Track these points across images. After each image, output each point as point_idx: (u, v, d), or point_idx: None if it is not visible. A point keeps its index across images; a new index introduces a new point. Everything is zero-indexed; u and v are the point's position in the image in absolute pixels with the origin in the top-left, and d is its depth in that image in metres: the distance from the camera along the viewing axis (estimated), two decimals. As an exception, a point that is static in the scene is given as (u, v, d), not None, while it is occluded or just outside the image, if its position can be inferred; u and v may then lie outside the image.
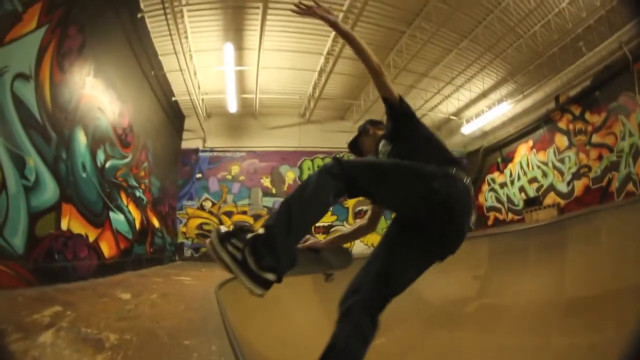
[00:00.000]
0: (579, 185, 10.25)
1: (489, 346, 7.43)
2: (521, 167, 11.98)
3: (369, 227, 2.80)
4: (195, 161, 10.14)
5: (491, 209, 13.11)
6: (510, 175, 12.38)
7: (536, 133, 11.46)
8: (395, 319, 7.05)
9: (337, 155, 2.05)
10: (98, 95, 6.12)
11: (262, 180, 11.40)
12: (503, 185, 12.66)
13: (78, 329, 3.27)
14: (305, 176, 12.10)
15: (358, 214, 12.42)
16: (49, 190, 4.63)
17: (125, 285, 5.95)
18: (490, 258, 10.26)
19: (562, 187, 10.70)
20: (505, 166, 12.60)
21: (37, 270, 4.36)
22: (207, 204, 10.01)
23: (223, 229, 1.92)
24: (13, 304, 3.52)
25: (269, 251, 1.82)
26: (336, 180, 1.92)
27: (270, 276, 1.86)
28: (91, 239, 5.69)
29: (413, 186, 2.10)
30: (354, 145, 2.89)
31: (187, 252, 9.41)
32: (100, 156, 6.05)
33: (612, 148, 9.26)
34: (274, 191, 11.48)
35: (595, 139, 9.65)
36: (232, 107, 10.37)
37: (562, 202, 10.67)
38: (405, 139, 2.47)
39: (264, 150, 12.01)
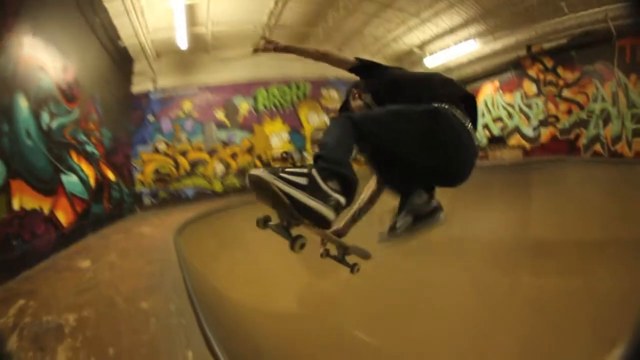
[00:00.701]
0: (546, 132, 10.40)
1: (461, 281, 7.41)
2: (486, 105, 11.94)
3: (380, 189, 2.90)
4: (146, 104, 9.34)
5: (454, 143, 13.13)
6: (475, 111, 12.28)
7: (503, 75, 11.35)
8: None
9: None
10: (38, 55, 5.45)
11: (215, 114, 10.85)
12: None
13: (40, 320, 3.34)
14: (260, 106, 11.71)
15: (316, 141, 12.29)
16: (-5, 171, 4.19)
17: (86, 251, 5.84)
18: (454, 190, 10.53)
19: (528, 131, 10.85)
20: (469, 102, 12.52)
21: (-2, 266, 4.05)
22: (162, 146, 9.44)
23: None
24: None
25: (333, 171, 1.85)
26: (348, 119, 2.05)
27: (341, 199, 1.89)
28: (46, 211, 5.33)
29: (402, 128, 2.12)
30: (345, 110, 2.83)
31: (147, 200, 8.98)
32: (45, 118, 5.51)
33: (582, 106, 9.35)
34: (228, 124, 11.04)
35: (566, 93, 9.70)
36: (183, 43, 9.47)
37: (528, 145, 10.87)
38: (379, 87, 2.58)
39: (217, 84, 11.25)
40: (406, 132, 2.12)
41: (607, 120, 8.77)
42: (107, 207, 7.54)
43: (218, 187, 10.68)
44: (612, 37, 7.99)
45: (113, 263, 5.44)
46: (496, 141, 11.64)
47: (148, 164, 8.98)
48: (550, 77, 10.01)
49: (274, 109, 11.97)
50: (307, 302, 7.11)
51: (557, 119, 10.02)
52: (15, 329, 3.11)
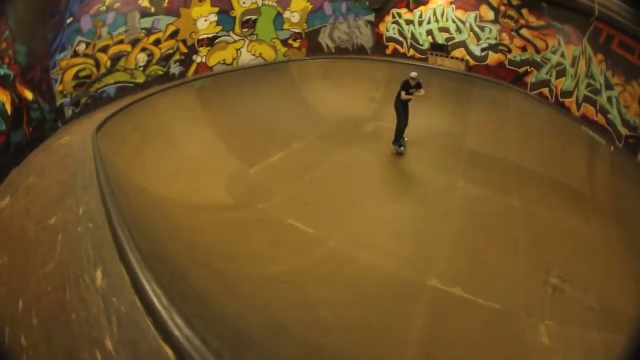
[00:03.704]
0: (494, 57, 10.42)
1: (397, 170, 8.34)
2: (434, 14, 11.61)
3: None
4: (64, 7, 8.27)
5: (391, 40, 12.97)
6: (421, 16, 12.00)
7: (459, -7, 10.74)
8: (291, 135, 8.76)
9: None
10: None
11: (140, 1, 9.71)
12: (410, 22, 12.30)
13: None
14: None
15: (246, 24, 11.99)
16: None
17: (7, 187, 5.76)
18: (388, 84, 10.90)
19: (475, 50, 10.84)
20: (417, 7, 12.04)
21: None
22: (81, 48, 8.65)
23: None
24: None
25: None
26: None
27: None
28: None
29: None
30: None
31: (69, 112, 8.59)
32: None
33: (539, 51, 9.24)
34: (153, 10, 10.08)
35: (525, 33, 9.54)
36: None
37: (472, 62, 10.88)
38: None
39: (140, -31, 9.66)
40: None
41: (561, 74, 8.72)
42: (28, 132, 7.09)
43: (141, 78, 10.18)
44: (593, 16, 7.62)
45: (30, 187, 5.36)
46: (439, 49, 11.57)
47: (68, 71, 8.35)
48: (512, 12, 9.74)
49: (203, -10, 10.86)
50: (238, 191, 7.36)
51: (509, 49, 9.99)
52: None
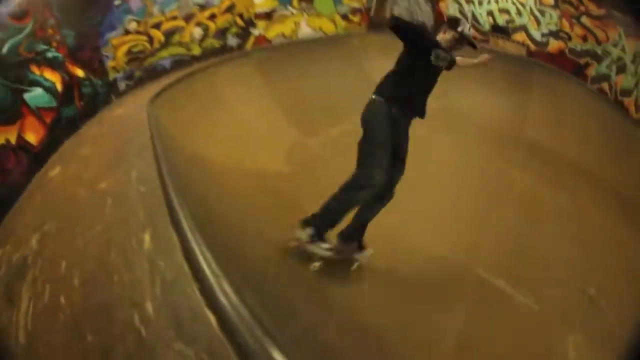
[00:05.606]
0: (555, 45, 9.78)
1: (457, 156, 7.93)
2: None
3: None
4: None
5: (453, 19, 12.48)
6: (481, -5, 11.21)
7: (518, -27, 10.12)
8: (351, 108, 6.44)
9: None
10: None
11: None
12: (469, 1, 11.52)
13: (10, 264, 3.39)
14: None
15: (303, -3, 11.72)
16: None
17: (58, 158, 5.86)
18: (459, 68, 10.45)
19: (536, 35, 10.20)
20: (476, -16, 11.25)
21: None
22: (132, 26, 8.86)
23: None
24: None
25: None
26: None
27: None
28: (14, 140, 5.33)
29: None
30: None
31: (122, 85, 8.85)
32: (-7, 47, 5.18)
33: (600, 42, 8.63)
34: None
35: (585, 21, 8.89)
36: None
37: (533, 47, 10.32)
38: None
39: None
40: None
41: (621, 69, 8.14)
42: (79, 105, 7.36)
43: (196, 50, 10.12)
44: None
45: (81, 158, 5.47)
46: (499, 31, 10.95)
47: (119, 47, 8.61)
48: (571, -4, 8.98)
49: (257, -38, 10.67)
50: (295, 160, 7.37)
51: (569, 37, 9.32)
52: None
